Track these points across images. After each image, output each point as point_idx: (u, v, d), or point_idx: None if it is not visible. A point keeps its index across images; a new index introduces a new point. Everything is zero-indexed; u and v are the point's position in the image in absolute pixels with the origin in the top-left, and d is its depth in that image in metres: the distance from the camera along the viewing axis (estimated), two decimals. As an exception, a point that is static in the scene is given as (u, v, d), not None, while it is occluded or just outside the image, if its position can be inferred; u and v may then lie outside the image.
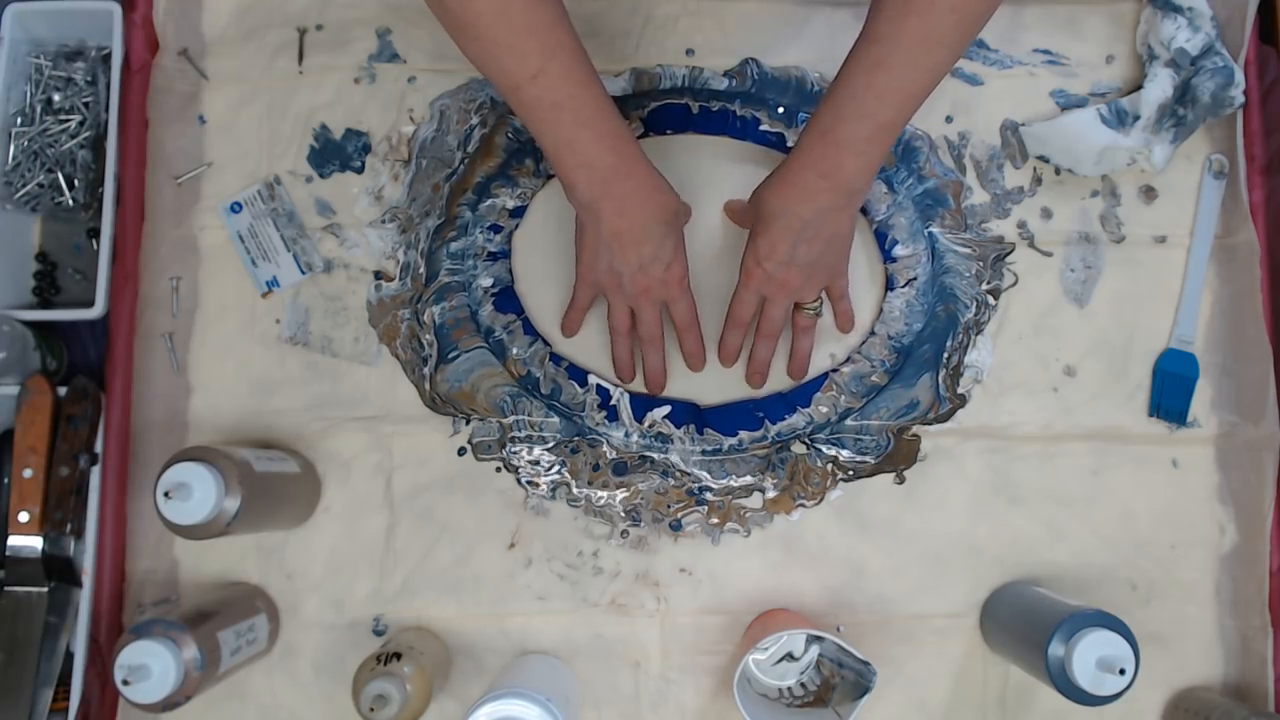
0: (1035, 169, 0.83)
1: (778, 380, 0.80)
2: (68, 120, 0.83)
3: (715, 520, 0.79)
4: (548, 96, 0.64)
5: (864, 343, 0.80)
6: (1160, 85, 0.80)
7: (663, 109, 0.82)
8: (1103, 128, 0.80)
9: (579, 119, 0.65)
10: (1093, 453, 0.80)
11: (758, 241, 0.72)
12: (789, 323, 0.77)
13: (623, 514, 0.79)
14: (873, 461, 0.79)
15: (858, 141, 0.65)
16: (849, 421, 0.79)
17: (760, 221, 0.72)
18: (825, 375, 0.80)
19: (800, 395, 0.80)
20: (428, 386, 0.80)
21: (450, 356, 0.80)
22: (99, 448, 0.78)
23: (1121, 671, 0.65)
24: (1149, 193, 0.83)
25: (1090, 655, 0.66)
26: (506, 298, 0.80)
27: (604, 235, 0.70)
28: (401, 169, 0.82)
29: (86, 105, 0.83)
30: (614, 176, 0.68)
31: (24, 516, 0.75)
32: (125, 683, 0.64)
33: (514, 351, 0.80)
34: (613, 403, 0.79)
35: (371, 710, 0.66)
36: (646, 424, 0.79)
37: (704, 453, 0.79)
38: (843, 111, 0.65)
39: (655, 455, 0.79)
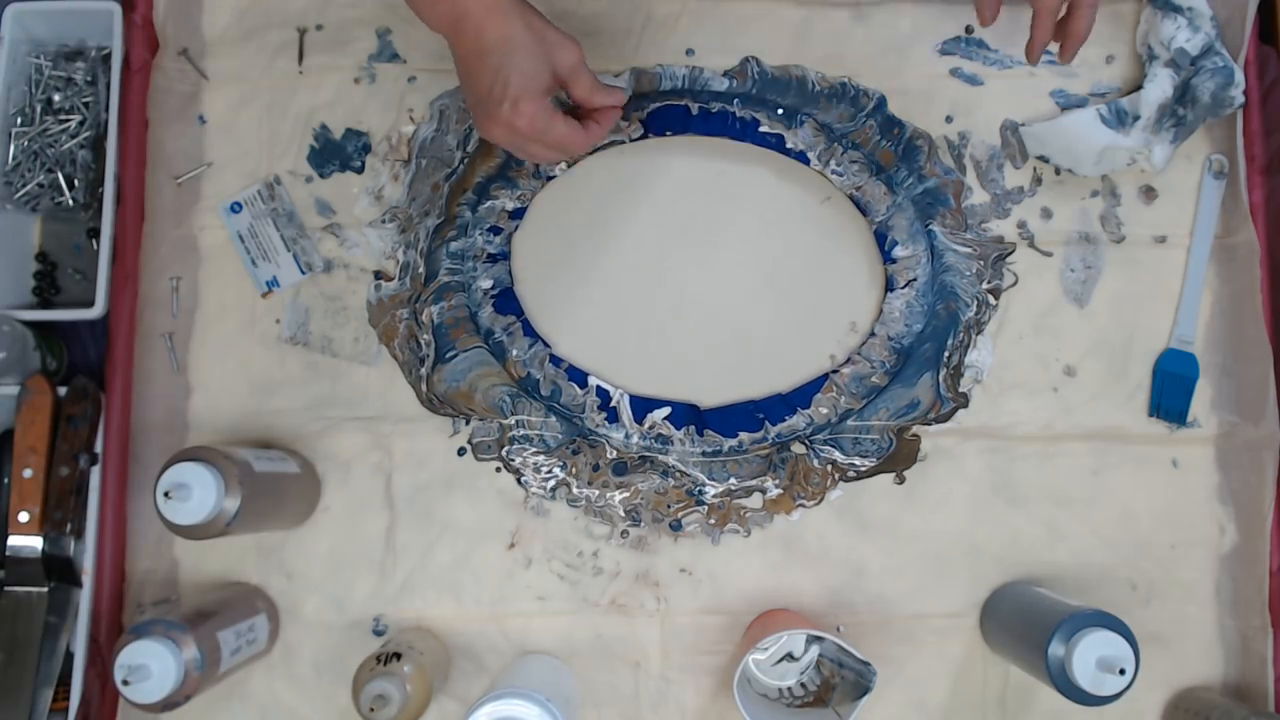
0: (1035, 169, 0.83)
1: (777, 381, 0.80)
2: (68, 120, 0.83)
3: (715, 520, 0.79)
4: None
5: (864, 344, 0.80)
6: (1160, 85, 0.80)
7: (662, 110, 0.82)
8: (1103, 128, 0.80)
9: None
10: (1093, 453, 0.80)
11: None
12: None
13: (623, 514, 0.79)
14: (874, 462, 0.79)
15: None
16: (849, 422, 0.79)
17: None
18: (825, 377, 0.80)
19: (800, 397, 0.80)
20: (424, 387, 0.80)
21: (448, 356, 0.80)
22: (99, 448, 0.78)
23: (1121, 671, 0.65)
24: (1149, 193, 0.83)
25: (1090, 655, 0.66)
26: (506, 299, 0.80)
27: (459, 71, 0.69)
28: (401, 169, 0.82)
29: (86, 105, 0.83)
30: (452, 3, 0.66)
31: (24, 516, 0.75)
32: (125, 683, 0.64)
33: (514, 353, 0.80)
34: (613, 404, 0.79)
35: (371, 710, 0.66)
36: (646, 425, 0.79)
37: (704, 454, 0.79)
38: None
39: (655, 456, 0.79)
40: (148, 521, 0.78)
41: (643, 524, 0.79)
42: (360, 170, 0.82)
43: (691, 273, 0.81)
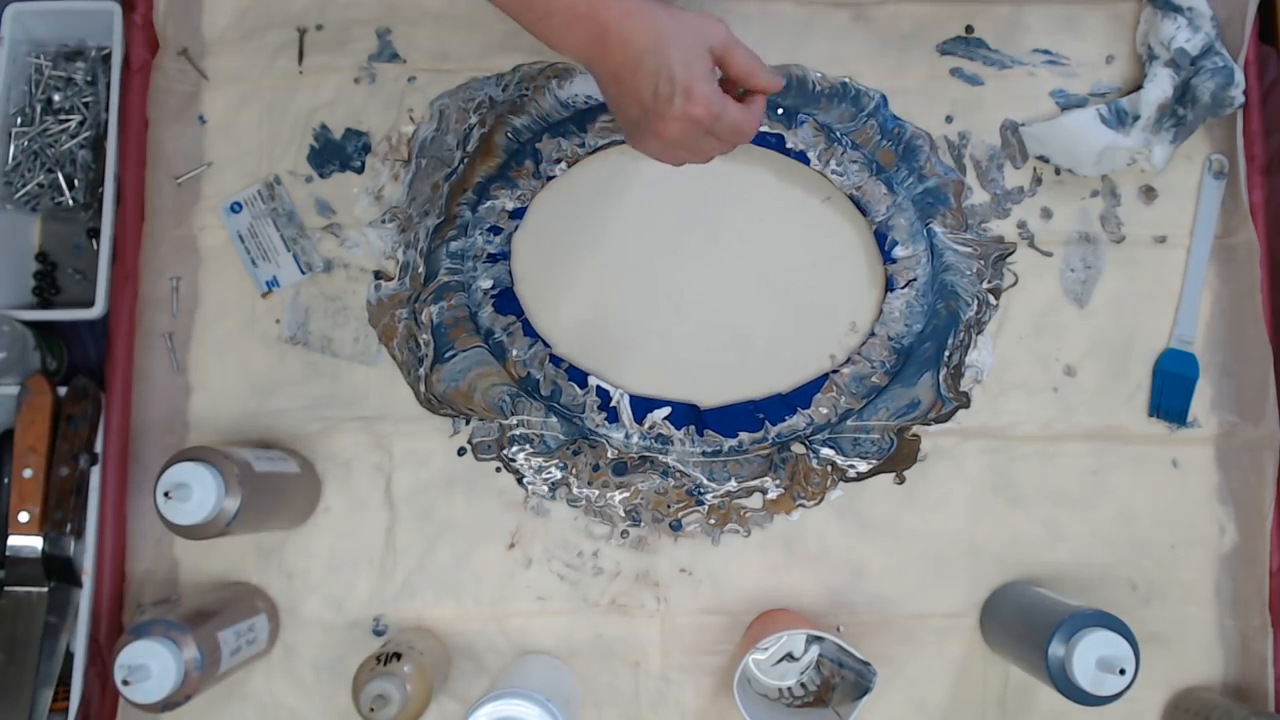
0: (1035, 169, 0.83)
1: (777, 381, 0.80)
2: (68, 120, 0.83)
3: (715, 520, 0.79)
4: None
5: (864, 344, 0.80)
6: (1160, 85, 0.80)
7: (663, 109, 0.82)
8: (1103, 128, 0.80)
9: None
10: (1093, 453, 0.80)
11: None
12: None
13: (623, 514, 0.79)
14: (874, 462, 0.79)
15: None
16: (849, 422, 0.79)
17: None
18: (825, 377, 0.80)
19: (800, 396, 0.80)
20: (423, 387, 0.80)
21: (446, 356, 0.80)
22: (99, 448, 0.78)
23: (1121, 671, 0.65)
24: (1149, 193, 0.83)
25: (1090, 655, 0.66)
26: (506, 299, 0.80)
27: (609, 93, 0.65)
28: (401, 169, 0.82)
29: (86, 105, 0.83)
30: (591, 21, 0.62)
31: (24, 516, 0.75)
32: (125, 683, 0.64)
33: (514, 353, 0.80)
34: (613, 404, 0.79)
35: (371, 710, 0.66)
36: (646, 425, 0.79)
37: (704, 454, 0.79)
38: None
39: (655, 456, 0.79)
40: (148, 521, 0.78)
41: (643, 524, 0.79)
42: (360, 170, 0.82)
43: (691, 273, 0.81)
